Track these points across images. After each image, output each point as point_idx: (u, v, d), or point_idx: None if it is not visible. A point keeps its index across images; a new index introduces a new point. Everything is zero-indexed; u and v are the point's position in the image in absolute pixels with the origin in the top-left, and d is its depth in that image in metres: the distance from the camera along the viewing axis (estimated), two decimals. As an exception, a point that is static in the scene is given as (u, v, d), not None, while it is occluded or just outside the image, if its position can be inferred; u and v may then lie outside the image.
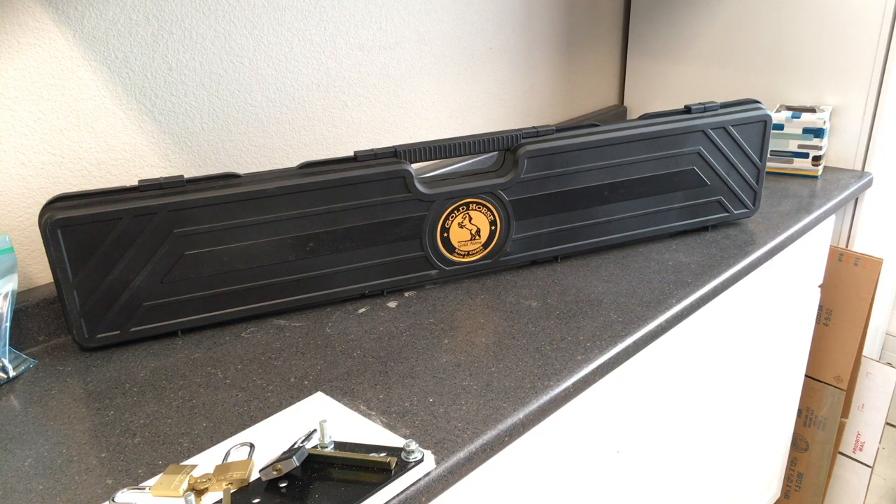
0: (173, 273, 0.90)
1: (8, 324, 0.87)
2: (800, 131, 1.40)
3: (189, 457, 0.71)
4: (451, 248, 1.03)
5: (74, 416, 0.78)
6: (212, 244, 0.91)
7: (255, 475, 0.67)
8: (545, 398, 0.78)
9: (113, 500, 0.65)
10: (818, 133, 1.39)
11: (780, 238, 1.16)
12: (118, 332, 0.90)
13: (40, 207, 0.95)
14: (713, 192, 1.15)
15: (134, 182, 1.03)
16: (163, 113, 1.03)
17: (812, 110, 1.43)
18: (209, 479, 0.66)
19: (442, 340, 0.90)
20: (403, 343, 0.90)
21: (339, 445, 0.70)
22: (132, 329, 0.91)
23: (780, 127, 1.41)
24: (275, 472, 0.65)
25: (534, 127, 1.03)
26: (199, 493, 0.65)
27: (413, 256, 1.01)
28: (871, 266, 1.47)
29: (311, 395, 0.80)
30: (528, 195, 1.03)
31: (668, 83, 1.72)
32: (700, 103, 1.15)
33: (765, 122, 1.13)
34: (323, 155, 1.24)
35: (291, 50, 1.14)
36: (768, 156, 1.40)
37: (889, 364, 1.56)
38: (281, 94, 1.15)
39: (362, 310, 0.99)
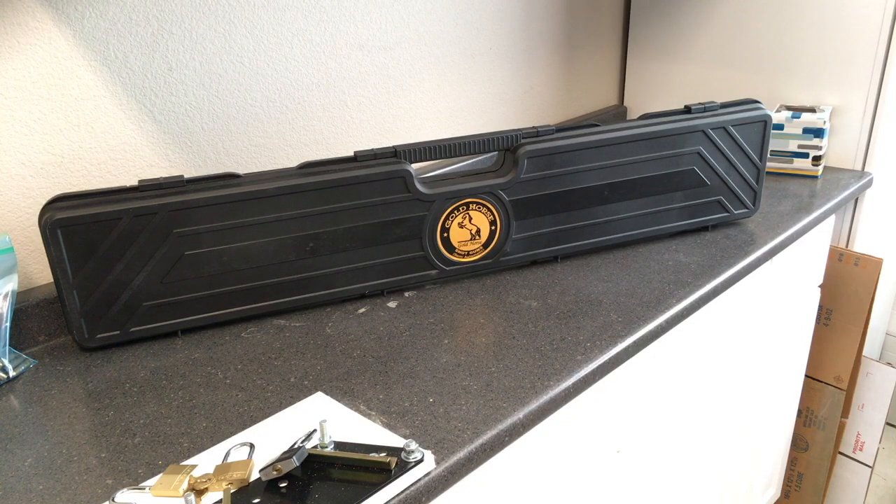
0: (173, 273, 0.90)
1: (8, 324, 0.87)
2: (800, 131, 1.40)
3: (189, 457, 0.71)
4: (451, 248, 1.03)
5: (74, 416, 0.78)
6: (212, 244, 0.91)
7: (255, 475, 0.67)
8: (545, 398, 0.78)
9: (113, 500, 0.65)
10: (818, 133, 1.39)
11: (780, 238, 1.16)
12: (118, 332, 0.90)
13: (40, 207, 0.95)
14: (713, 192, 1.15)
15: (134, 182, 1.03)
16: (163, 113, 1.03)
17: (812, 110, 1.43)
18: (209, 479, 0.66)
19: (442, 340, 0.90)
20: (403, 343, 0.90)
21: (339, 445, 0.70)
22: (132, 329, 0.91)
23: (780, 127, 1.41)
24: (275, 472, 0.65)
25: (534, 127, 1.03)
26: (199, 493, 0.65)
27: (413, 256, 1.01)
28: (871, 266, 1.47)
29: (311, 395, 0.80)
30: (528, 195, 1.03)
31: (668, 83, 1.72)
32: (700, 103, 1.15)
33: (765, 122, 1.13)
34: (323, 155, 1.24)
35: (291, 50, 1.14)
36: (768, 156, 1.40)
37: (889, 364, 1.56)
38: (281, 94, 1.15)
39: (362, 310, 0.99)
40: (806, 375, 1.65)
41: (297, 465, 0.66)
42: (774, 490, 1.71)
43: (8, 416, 0.79)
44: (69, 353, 0.91)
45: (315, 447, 0.69)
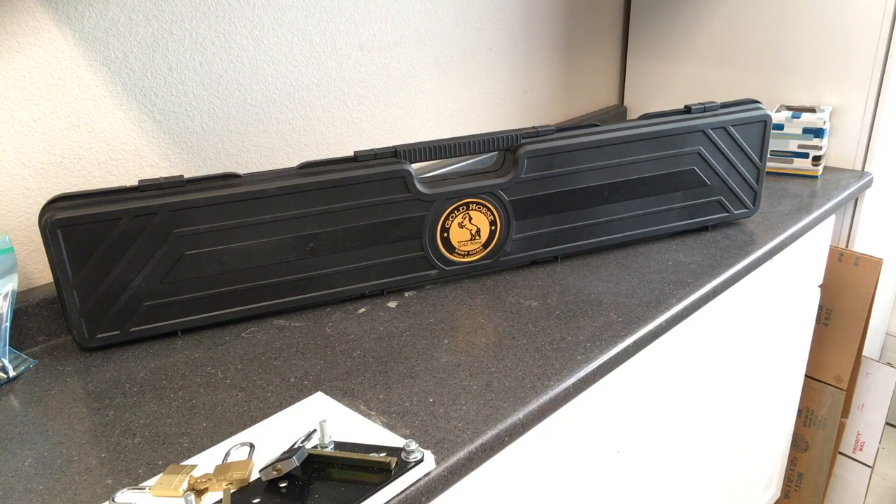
0: (173, 273, 0.90)
1: (8, 324, 0.87)
2: (800, 131, 1.40)
3: (189, 457, 0.71)
4: (451, 248, 1.03)
5: (74, 416, 0.78)
6: (212, 244, 0.91)
7: (255, 475, 0.67)
8: (545, 398, 0.78)
9: (113, 500, 0.65)
10: (818, 133, 1.39)
11: (780, 238, 1.16)
12: (118, 332, 0.90)
13: (40, 207, 0.95)
14: (713, 192, 1.15)
15: (134, 182, 1.03)
16: (163, 113, 1.03)
17: (812, 110, 1.43)
18: (209, 479, 0.66)
19: (442, 340, 0.90)
20: (403, 343, 0.90)
21: (339, 445, 0.70)
22: (132, 329, 0.91)
23: (780, 127, 1.41)
24: (275, 472, 0.65)
25: (534, 127, 1.03)
26: (199, 493, 0.65)
27: (413, 256, 1.01)
28: (871, 266, 1.47)
29: (311, 395, 0.80)
30: (528, 195, 1.03)
31: (668, 83, 1.72)
32: (700, 103, 1.15)
33: (765, 122, 1.13)
34: (323, 155, 1.24)
35: (291, 50, 1.14)
36: (768, 156, 1.40)
37: (889, 364, 1.56)
38: (281, 94, 1.15)
39: (362, 310, 0.99)
40: (806, 375, 1.65)
41: (297, 465, 0.66)
42: (774, 490, 1.71)
43: (8, 416, 0.79)
44: (69, 353, 0.91)
45: (315, 447, 0.69)
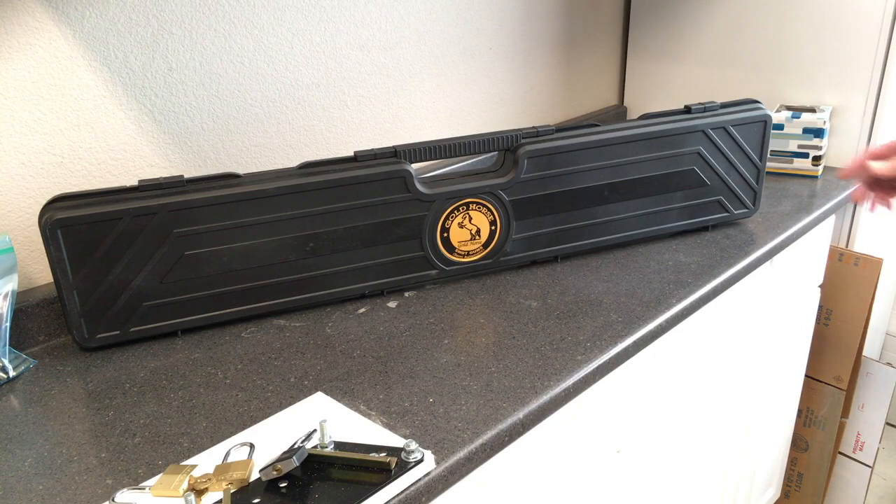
0: (173, 273, 0.90)
1: (8, 324, 0.87)
2: (800, 131, 1.40)
3: (189, 457, 0.71)
4: (451, 248, 1.03)
5: (74, 416, 0.78)
6: (212, 244, 0.91)
7: (255, 475, 0.67)
8: (545, 398, 0.78)
9: (113, 500, 0.65)
10: (818, 133, 1.39)
11: (780, 238, 1.16)
12: (118, 332, 0.90)
13: (40, 207, 0.95)
14: (713, 192, 1.15)
15: (134, 182, 1.03)
16: (163, 113, 1.03)
17: (812, 110, 1.43)
18: (209, 479, 0.66)
19: (442, 340, 0.90)
20: (403, 343, 0.90)
21: (339, 445, 0.70)
22: (132, 329, 0.91)
23: (780, 127, 1.41)
24: (275, 472, 0.65)
25: (534, 127, 1.03)
26: (199, 493, 0.65)
27: (413, 256, 1.01)
28: (871, 266, 1.47)
29: (311, 395, 0.80)
30: (528, 195, 1.03)
31: (668, 83, 1.72)
32: (700, 103, 1.15)
33: (765, 122, 1.13)
34: (323, 155, 1.24)
35: (291, 50, 1.14)
36: (768, 156, 1.40)
37: (889, 364, 1.56)
38: (281, 94, 1.15)
39: (362, 310, 0.99)
40: (806, 375, 1.65)
41: (297, 465, 0.66)
42: (774, 490, 1.71)
43: (8, 416, 0.79)
44: (69, 353, 0.91)
45: (315, 447, 0.69)
